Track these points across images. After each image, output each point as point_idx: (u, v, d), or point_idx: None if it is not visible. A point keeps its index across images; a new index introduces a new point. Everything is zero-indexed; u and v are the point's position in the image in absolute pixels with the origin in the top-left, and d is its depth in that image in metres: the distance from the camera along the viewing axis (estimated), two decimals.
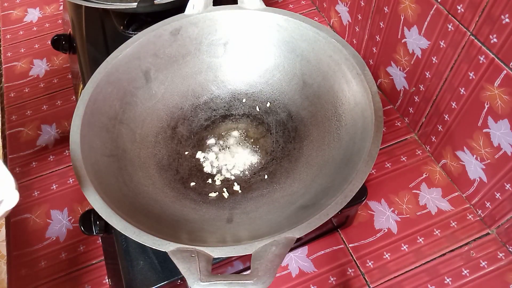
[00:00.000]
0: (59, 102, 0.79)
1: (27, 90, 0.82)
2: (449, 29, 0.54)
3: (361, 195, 0.52)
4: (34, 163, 0.71)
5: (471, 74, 0.54)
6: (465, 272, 0.57)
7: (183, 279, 0.48)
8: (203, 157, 0.56)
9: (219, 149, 0.57)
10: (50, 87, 0.82)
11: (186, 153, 0.57)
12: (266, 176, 0.53)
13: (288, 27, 0.57)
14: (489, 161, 0.56)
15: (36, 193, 0.68)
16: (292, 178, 0.52)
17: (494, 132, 0.53)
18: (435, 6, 0.55)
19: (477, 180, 0.59)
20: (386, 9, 0.64)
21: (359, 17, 0.73)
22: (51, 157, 0.72)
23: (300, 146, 0.55)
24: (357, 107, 0.50)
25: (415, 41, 0.61)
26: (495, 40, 0.48)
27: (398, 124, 0.72)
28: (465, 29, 0.52)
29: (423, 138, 0.69)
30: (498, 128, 0.53)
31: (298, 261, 0.59)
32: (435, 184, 0.65)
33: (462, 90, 0.56)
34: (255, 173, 0.54)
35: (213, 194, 0.52)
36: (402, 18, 0.61)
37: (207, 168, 0.55)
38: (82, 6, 0.71)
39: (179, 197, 0.51)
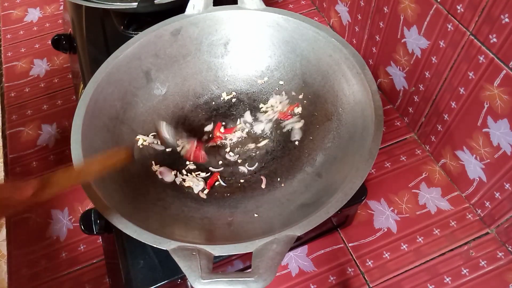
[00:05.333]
0: (59, 101, 0.79)
1: (27, 89, 0.82)
2: (449, 29, 0.54)
3: (361, 194, 0.53)
4: (34, 163, 0.72)
5: (470, 74, 0.54)
6: (465, 271, 0.57)
7: (183, 278, 0.48)
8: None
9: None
10: (51, 86, 0.82)
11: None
12: (266, 175, 0.53)
13: (288, 26, 0.57)
14: (488, 160, 0.56)
15: None
16: (292, 177, 0.52)
17: (493, 131, 0.54)
18: (435, 6, 0.55)
19: (477, 179, 0.60)
20: (385, 9, 0.64)
21: (359, 17, 0.73)
22: (51, 156, 0.72)
23: (300, 145, 0.55)
24: (357, 106, 0.50)
25: (415, 41, 0.61)
26: (494, 40, 0.49)
27: (398, 123, 0.72)
28: (464, 29, 0.52)
29: (422, 137, 0.69)
30: (498, 128, 0.53)
31: (298, 260, 0.59)
32: (434, 183, 0.65)
33: (461, 90, 0.56)
34: (255, 172, 0.54)
35: (214, 193, 0.52)
36: (401, 18, 0.62)
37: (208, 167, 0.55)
38: (83, 6, 0.71)
39: (180, 196, 0.51)
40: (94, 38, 0.69)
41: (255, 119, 0.59)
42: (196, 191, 0.52)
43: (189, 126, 0.59)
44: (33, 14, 0.95)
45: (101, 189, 0.44)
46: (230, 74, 0.61)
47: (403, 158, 0.68)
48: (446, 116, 0.61)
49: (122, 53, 0.54)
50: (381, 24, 0.67)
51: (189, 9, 0.58)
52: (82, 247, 0.62)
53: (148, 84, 0.57)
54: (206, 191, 0.52)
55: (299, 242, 0.60)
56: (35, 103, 0.80)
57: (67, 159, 0.71)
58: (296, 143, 0.55)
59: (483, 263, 0.58)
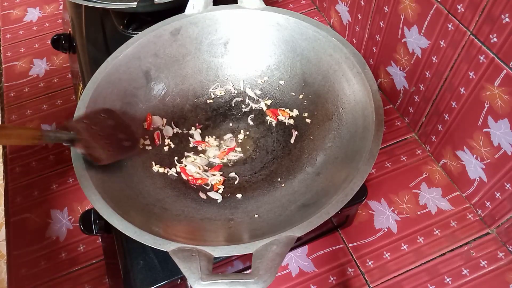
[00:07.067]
0: (59, 101, 0.79)
1: (27, 89, 0.82)
2: (449, 29, 0.54)
3: (361, 194, 0.52)
4: (34, 163, 0.71)
5: (471, 74, 0.54)
6: (465, 271, 0.57)
7: (182, 278, 0.48)
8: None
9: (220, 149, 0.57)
10: (50, 86, 0.82)
11: (187, 152, 0.56)
12: (266, 175, 0.53)
13: (288, 26, 0.57)
14: (489, 160, 0.56)
15: (36, 193, 0.68)
16: (292, 177, 0.52)
17: (494, 131, 0.53)
18: (435, 5, 0.55)
19: (477, 179, 0.60)
20: (386, 9, 0.64)
21: (359, 16, 0.73)
22: (51, 156, 0.72)
23: (300, 145, 0.55)
24: (358, 105, 0.50)
25: (415, 40, 0.61)
26: (495, 39, 0.48)
27: (398, 123, 0.72)
28: (465, 29, 0.52)
29: (423, 137, 0.69)
30: (498, 128, 0.53)
31: (298, 260, 0.59)
32: (435, 183, 0.65)
33: (462, 90, 0.56)
34: (256, 172, 0.54)
35: (214, 194, 0.52)
36: (402, 17, 0.61)
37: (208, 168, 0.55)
38: (82, 6, 0.71)
39: (180, 197, 0.51)
40: (93, 38, 0.69)
41: (256, 120, 0.59)
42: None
43: (189, 126, 0.58)
44: (33, 14, 0.95)
45: (100, 190, 0.44)
46: (230, 73, 0.61)
47: (404, 158, 0.68)
48: (446, 116, 0.61)
49: (122, 53, 0.54)
50: (381, 24, 0.67)
51: (188, 9, 0.58)
52: (81, 247, 0.62)
53: (147, 84, 0.57)
54: (208, 191, 0.52)
55: (299, 242, 0.60)
56: (34, 103, 0.79)
57: (67, 159, 0.71)
58: (292, 141, 0.55)
59: (483, 263, 0.58)
